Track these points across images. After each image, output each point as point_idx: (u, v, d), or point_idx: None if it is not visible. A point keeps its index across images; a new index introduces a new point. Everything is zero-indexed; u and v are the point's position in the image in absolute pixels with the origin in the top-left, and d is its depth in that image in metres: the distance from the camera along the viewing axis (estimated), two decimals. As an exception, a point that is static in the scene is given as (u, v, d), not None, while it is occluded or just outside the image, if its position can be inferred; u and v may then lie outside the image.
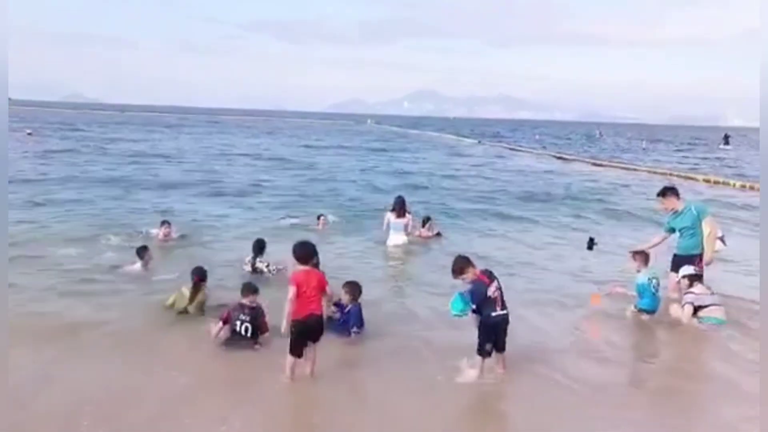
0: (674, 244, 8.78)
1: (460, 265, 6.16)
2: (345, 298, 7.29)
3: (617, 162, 35.35)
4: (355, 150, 43.13)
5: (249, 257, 9.67)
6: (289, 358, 5.91)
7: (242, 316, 6.71)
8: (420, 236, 12.97)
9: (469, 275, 6.11)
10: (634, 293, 8.19)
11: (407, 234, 12.24)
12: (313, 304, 5.83)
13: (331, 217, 14.61)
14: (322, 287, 5.94)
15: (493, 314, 6.06)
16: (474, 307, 6.07)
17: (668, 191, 8.73)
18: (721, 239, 8.82)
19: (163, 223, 11.98)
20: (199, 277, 7.90)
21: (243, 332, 6.68)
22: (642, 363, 6.99)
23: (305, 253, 6.00)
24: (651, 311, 8.12)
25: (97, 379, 5.92)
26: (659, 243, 8.85)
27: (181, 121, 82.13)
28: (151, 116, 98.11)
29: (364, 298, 7.42)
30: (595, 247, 9.30)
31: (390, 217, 12.27)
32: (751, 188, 23.64)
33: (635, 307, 8.13)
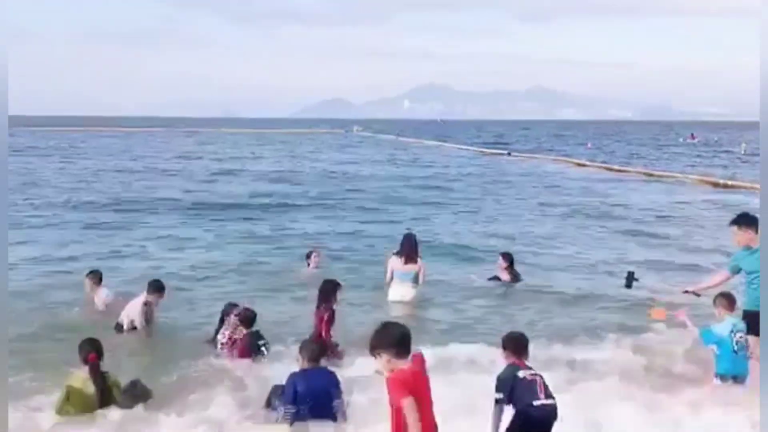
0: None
1: (517, 343, 6.64)
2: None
3: None
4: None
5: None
6: None
7: (261, 341, 9.38)
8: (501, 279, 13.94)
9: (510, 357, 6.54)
10: (713, 348, 8.42)
11: (415, 285, 12.46)
12: (433, 418, 5.34)
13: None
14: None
15: (535, 403, 6.15)
16: (504, 397, 6.27)
17: (746, 220, 8.95)
18: None
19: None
20: (96, 353, 7.66)
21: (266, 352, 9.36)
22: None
23: (406, 340, 5.31)
24: (736, 376, 8.28)
25: None
26: (719, 283, 9.28)
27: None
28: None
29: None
30: (635, 283, 10.14)
31: (394, 263, 12.49)
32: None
33: (716, 374, 8.36)
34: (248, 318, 9.51)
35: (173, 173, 39.85)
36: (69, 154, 55.70)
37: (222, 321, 9.99)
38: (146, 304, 10.74)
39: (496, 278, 13.99)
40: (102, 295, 11.53)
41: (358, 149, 69.62)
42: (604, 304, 12.75)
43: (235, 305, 10.07)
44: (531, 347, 6.86)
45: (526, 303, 12.85)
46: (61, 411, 7.59)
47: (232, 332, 9.78)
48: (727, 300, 8.51)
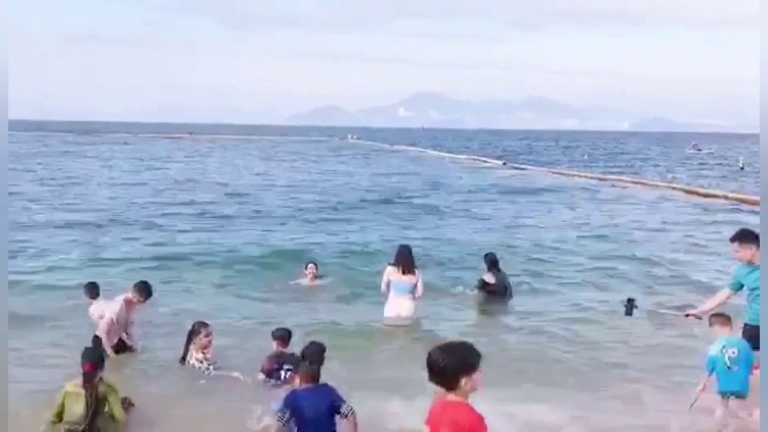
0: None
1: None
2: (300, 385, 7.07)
3: None
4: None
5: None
6: None
7: (286, 366, 8.86)
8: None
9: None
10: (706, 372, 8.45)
11: (415, 298, 12.16)
12: None
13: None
14: None
15: None
16: None
17: (747, 236, 9.05)
18: None
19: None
20: (92, 364, 7.48)
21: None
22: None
23: (446, 371, 4.65)
24: (735, 393, 8.21)
25: None
26: (722, 303, 9.37)
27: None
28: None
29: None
30: (635, 311, 10.06)
31: (390, 273, 12.22)
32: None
33: (717, 392, 8.28)
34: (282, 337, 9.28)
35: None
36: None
37: (189, 340, 9.63)
38: (127, 302, 10.10)
39: (482, 281, 13.98)
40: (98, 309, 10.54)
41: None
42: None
43: (205, 324, 9.69)
44: None
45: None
46: (55, 413, 7.52)
47: (203, 352, 9.58)
48: (722, 318, 8.54)
